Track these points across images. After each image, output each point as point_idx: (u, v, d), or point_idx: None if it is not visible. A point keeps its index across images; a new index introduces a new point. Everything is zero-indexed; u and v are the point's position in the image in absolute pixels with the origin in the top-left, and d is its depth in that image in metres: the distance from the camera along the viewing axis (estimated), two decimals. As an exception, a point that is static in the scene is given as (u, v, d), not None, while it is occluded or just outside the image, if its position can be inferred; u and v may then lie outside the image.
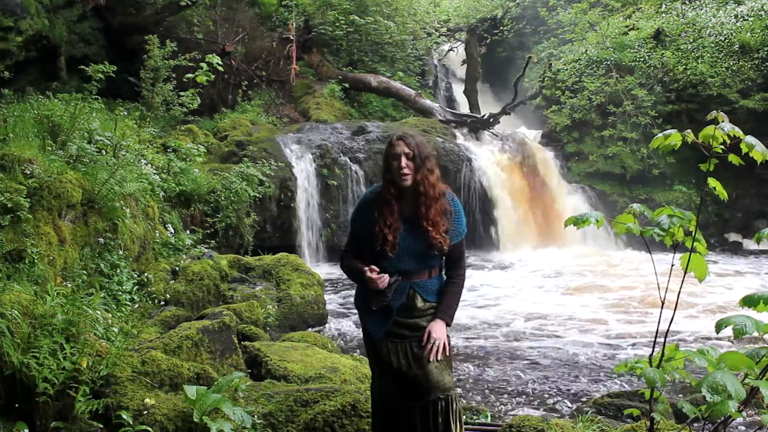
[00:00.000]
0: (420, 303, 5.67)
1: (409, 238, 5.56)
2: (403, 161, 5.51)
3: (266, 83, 28.96)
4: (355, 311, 6.11)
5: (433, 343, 5.55)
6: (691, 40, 26.48)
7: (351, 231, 6.02)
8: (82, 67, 15.69)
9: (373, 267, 5.54)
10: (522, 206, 24.33)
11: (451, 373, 5.75)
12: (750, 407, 4.52)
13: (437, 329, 5.60)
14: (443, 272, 5.85)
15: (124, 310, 10.39)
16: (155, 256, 13.32)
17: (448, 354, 5.71)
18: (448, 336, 5.75)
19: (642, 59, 26.67)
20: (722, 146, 4.33)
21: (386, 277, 5.53)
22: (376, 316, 5.69)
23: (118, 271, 11.34)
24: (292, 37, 29.55)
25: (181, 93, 18.89)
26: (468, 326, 14.36)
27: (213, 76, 18.51)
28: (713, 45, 25.95)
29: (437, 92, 35.45)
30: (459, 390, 10.27)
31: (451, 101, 35.28)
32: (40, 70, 20.26)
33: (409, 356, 5.59)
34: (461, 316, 14.85)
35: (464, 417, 7.41)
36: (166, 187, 15.41)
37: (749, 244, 24.17)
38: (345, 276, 5.94)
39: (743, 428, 8.61)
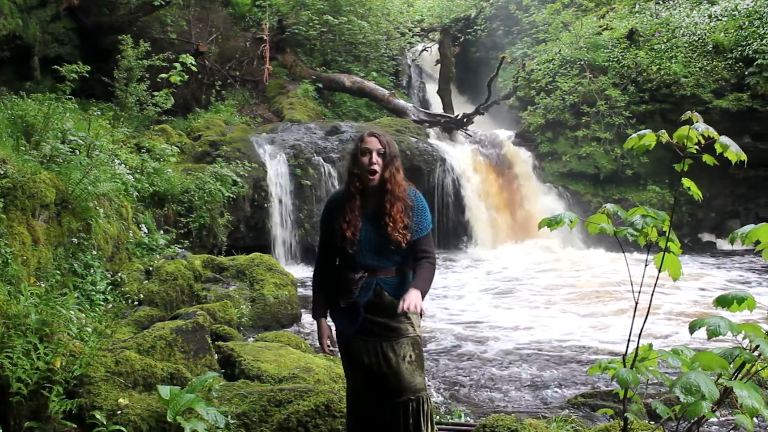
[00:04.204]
0: (388, 300, 5.68)
1: (371, 234, 5.64)
2: (374, 157, 5.59)
3: (240, 83, 28.97)
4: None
5: (408, 299, 5.47)
6: (665, 40, 26.67)
7: (320, 234, 6.09)
8: (55, 67, 15.61)
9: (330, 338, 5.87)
10: (495, 206, 24.38)
11: (423, 374, 5.79)
12: (723, 407, 4.54)
13: (412, 293, 5.49)
14: (412, 270, 5.85)
15: (97, 310, 10.37)
16: (129, 256, 13.31)
17: (419, 352, 5.77)
18: (421, 336, 5.82)
19: (615, 59, 26.81)
20: (696, 146, 4.35)
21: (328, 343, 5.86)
22: (345, 313, 5.75)
23: (92, 271, 11.32)
24: (265, 37, 29.54)
25: (155, 93, 18.83)
26: (440, 326, 14.36)
27: (186, 76, 18.53)
28: (687, 45, 26.14)
29: (411, 92, 35.55)
30: (432, 390, 10.30)
31: (424, 101, 35.35)
32: (13, 70, 20.21)
33: (379, 355, 5.63)
34: (433, 315, 14.89)
35: (438, 417, 7.44)
36: (139, 187, 15.38)
37: (723, 244, 24.32)
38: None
39: (717, 428, 8.66)
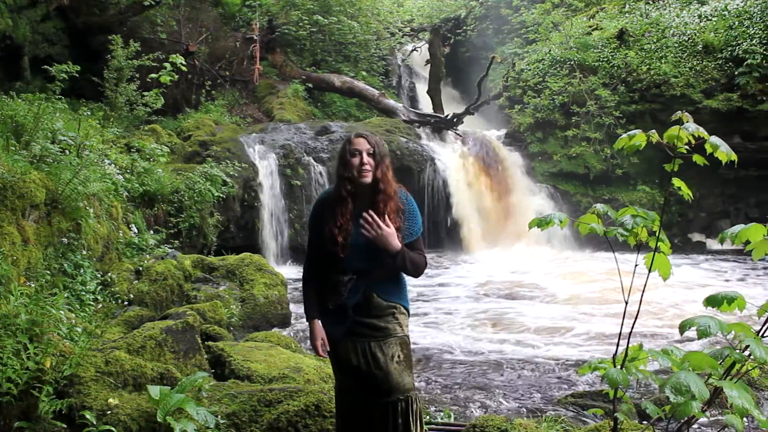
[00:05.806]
0: (377, 301, 5.68)
1: (362, 238, 5.55)
2: (365, 157, 5.55)
3: (230, 83, 28.97)
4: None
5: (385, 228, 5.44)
6: (655, 40, 26.72)
7: (309, 236, 6.04)
8: (45, 67, 15.59)
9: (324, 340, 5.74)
10: (485, 206, 24.36)
11: (412, 374, 5.78)
12: (713, 407, 4.55)
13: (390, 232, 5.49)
14: (401, 272, 5.85)
15: (87, 310, 10.35)
16: (119, 256, 13.27)
17: (407, 352, 5.76)
18: (408, 336, 5.83)
19: (605, 59, 26.83)
20: (687, 146, 4.34)
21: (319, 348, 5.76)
22: (333, 315, 5.72)
23: (82, 271, 11.28)
24: (255, 37, 29.59)
25: (145, 93, 18.83)
26: (430, 326, 14.35)
27: (176, 76, 18.51)
28: (677, 45, 26.20)
29: (401, 92, 35.54)
30: (422, 390, 10.30)
31: (414, 101, 35.35)
32: (3, 70, 20.20)
33: (368, 355, 5.61)
34: (421, 314, 14.89)
35: (427, 417, 7.42)
36: (129, 187, 15.35)
37: (712, 244, 24.36)
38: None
39: (707, 428, 8.66)
